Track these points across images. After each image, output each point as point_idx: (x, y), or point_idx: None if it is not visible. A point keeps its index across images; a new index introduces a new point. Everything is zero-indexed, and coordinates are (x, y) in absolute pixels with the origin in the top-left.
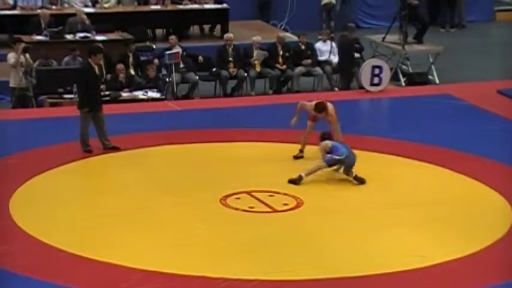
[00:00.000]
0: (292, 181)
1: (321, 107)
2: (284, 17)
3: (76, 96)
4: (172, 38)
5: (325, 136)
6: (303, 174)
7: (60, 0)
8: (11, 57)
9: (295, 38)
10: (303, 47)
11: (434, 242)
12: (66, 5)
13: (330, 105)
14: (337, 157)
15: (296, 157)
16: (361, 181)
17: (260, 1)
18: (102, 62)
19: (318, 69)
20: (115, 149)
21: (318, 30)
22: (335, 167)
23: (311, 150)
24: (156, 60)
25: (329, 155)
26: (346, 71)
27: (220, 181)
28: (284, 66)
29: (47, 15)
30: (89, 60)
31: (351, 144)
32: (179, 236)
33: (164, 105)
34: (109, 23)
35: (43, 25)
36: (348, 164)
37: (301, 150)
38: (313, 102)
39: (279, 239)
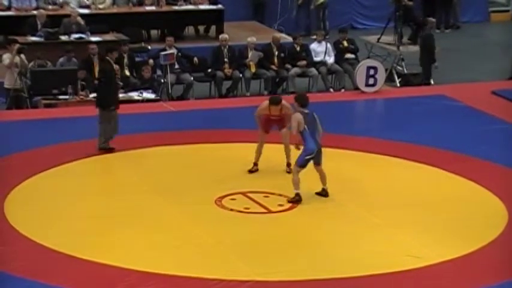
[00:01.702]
0: (293, 201)
1: (277, 99)
2: (278, 18)
3: (96, 94)
4: (170, 39)
5: (301, 99)
6: (298, 191)
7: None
8: (6, 58)
9: (290, 39)
10: (298, 48)
11: (429, 242)
12: (60, 6)
13: (284, 102)
14: (308, 156)
15: (251, 171)
16: (324, 194)
17: (255, 2)
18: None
19: (313, 70)
20: (111, 150)
21: (313, 31)
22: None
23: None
24: (151, 61)
25: (300, 157)
26: (425, 67)
27: (216, 182)
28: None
29: (43, 15)
30: (107, 58)
31: (345, 144)
32: (175, 237)
33: (159, 106)
34: (104, 24)
35: (39, 26)
36: (316, 159)
37: (255, 164)
38: (265, 102)
39: (274, 240)
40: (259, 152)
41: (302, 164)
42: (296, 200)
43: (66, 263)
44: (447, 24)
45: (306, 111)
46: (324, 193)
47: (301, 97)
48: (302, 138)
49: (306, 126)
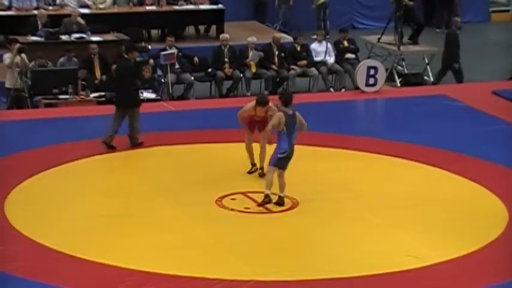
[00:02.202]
0: (263, 203)
1: (265, 99)
2: (279, 18)
3: (113, 93)
4: (171, 39)
5: (285, 98)
6: (268, 192)
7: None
8: (6, 57)
9: (290, 39)
10: (298, 48)
11: (428, 242)
12: (60, 6)
13: (271, 103)
14: (280, 155)
15: (250, 172)
16: (280, 203)
17: (256, 2)
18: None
19: (314, 70)
20: (140, 144)
21: (313, 31)
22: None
23: None
24: (151, 61)
25: (273, 157)
26: (447, 66)
27: (216, 182)
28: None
29: (44, 15)
30: (127, 57)
31: (346, 144)
32: (175, 237)
33: (160, 105)
34: (104, 23)
35: (40, 25)
36: (288, 160)
37: (253, 164)
38: (251, 102)
39: (274, 240)
40: (251, 152)
41: (275, 163)
42: (265, 202)
43: (67, 263)
44: (448, 24)
45: (290, 112)
46: (279, 201)
47: (285, 96)
48: (278, 137)
49: (284, 127)
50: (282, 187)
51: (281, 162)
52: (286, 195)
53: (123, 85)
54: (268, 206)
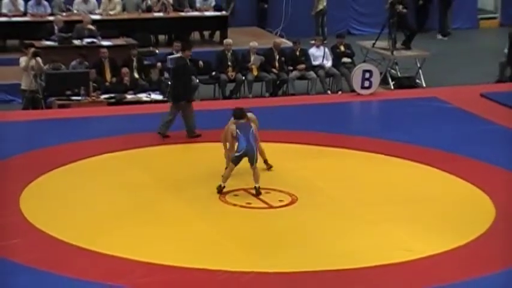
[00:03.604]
0: (219, 190)
1: (240, 112)
2: (280, 24)
3: (169, 89)
4: (178, 45)
5: (235, 113)
6: (222, 184)
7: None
8: (22, 61)
9: (290, 44)
10: (297, 53)
11: (421, 236)
12: (75, 11)
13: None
14: (237, 154)
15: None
16: (256, 193)
17: (258, 9)
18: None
19: (312, 73)
20: (198, 136)
21: (312, 37)
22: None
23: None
24: (159, 64)
25: (232, 156)
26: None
27: (220, 179)
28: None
29: (61, 21)
30: (182, 55)
31: (343, 144)
32: (181, 230)
33: (166, 106)
34: (114, 29)
35: (56, 30)
36: (249, 158)
37: (265, 161)
38: (230, 123)
39: (274, 234)
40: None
41: (233, 160)
42: (219, 191)
43: (78, 255)
44: (443, 31)
45: (241, 121)
46: (256, 191)
47: (235, 112)
48: (237, 141)
49: (238, 131)
50: (256, 179)
51: (237, 159)
52: (286, 191)
53: (180, 81)
54: (268, 201)
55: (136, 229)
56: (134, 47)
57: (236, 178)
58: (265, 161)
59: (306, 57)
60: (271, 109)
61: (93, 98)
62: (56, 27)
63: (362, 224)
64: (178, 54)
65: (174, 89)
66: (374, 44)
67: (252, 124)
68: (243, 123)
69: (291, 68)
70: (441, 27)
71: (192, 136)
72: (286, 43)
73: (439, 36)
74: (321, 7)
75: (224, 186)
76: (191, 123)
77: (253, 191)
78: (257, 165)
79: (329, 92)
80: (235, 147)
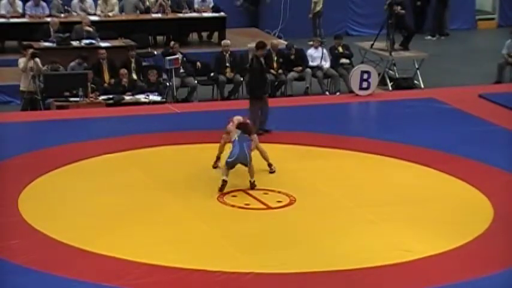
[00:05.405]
0: (221, 186)
1: (247, 128)
2: (277, 25)
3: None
4: (176, 45)
5: (243, 128)
6: (225, 178)
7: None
8: (21, 62)
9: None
10: (292, 57)
11: (421, 237)
12: (74, 13)
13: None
14: (230, 159)
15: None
16: (251, 187)
17: (249, 11)
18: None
19: (308, 71)
20: (268, 132)
21: (309, 37)
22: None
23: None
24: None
25: (226, 160)
26: None
27: (218, 180)
28: (280, 70)
29: (56, 23)
30: (256, 53)
31: (341, 144)
32: (179, 231)
33: (165, 107)
34: (113, 30)
35: (52, 32)
36: (242, 163)
37: (269, 165)
38: (231, 125)
39: (272, 234)
40: (221, 149)
41: (226, 165)
42: (222, 186)
43: (77, 256)
44: (441, 32)
45: (245, 135)
46: (250, 185)
47: (244, 125)
48: (232, 145)
49: (236, 139)
50: (251, 174)
51: (230, 164)
52: (284, 192)
53: (257, 78)
54: (266, 202)
55: (136, 230)
56: (132, 48)
57: (234, 179)
58: (269, 165)
59: (302, 59)
60: (269, 110)
61: (92, 99)
62: (51, 29)
63: (361, 225)
64: (177, 56)
65: (254, 87)
66: (372, 45)
67: (252, 142)
68: (245, 136)
69: (288, 69)
70: (433, 28)
71: (264, 130)
72: (284, 44)
73: (428, 37)
74: (318, 9)
75: (226, 180)
76: (266, 116)
77: (250, 191)
78: (259, 167)
79: (327, 93)
80: (228, 151)
